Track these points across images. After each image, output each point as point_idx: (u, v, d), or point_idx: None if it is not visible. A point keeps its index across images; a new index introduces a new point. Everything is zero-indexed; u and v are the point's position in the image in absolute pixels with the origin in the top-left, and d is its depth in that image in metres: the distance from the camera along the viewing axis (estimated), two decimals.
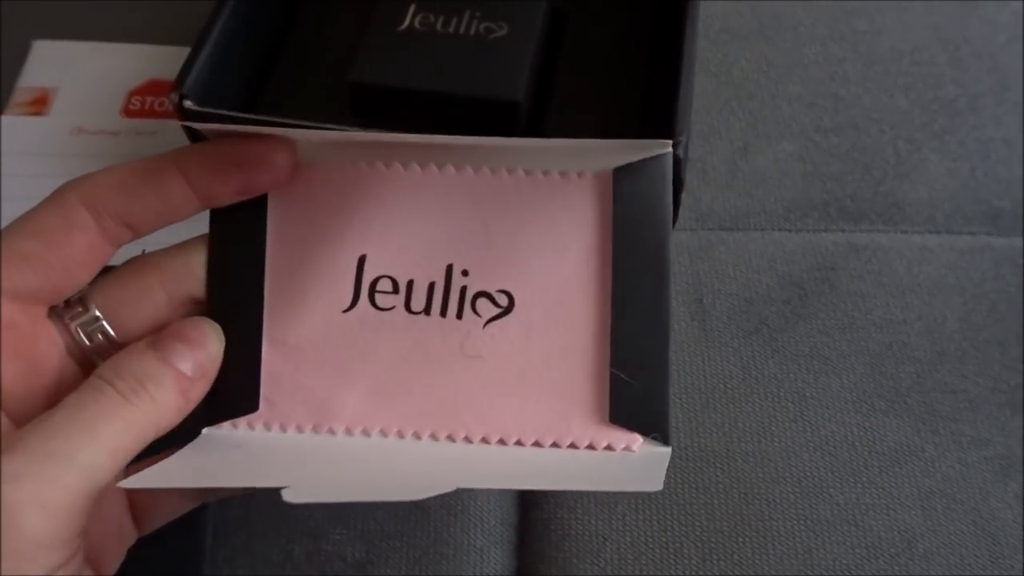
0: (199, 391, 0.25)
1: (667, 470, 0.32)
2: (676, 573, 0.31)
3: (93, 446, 0.22)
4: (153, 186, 0.24)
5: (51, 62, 0.41)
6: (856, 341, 0.35)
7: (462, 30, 0.34)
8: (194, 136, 0.32)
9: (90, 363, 0.25)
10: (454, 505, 0.32)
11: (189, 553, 0.31)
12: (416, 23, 0.34)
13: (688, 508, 0.32)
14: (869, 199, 0.39)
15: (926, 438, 0.33)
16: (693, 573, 0.31)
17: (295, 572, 0.31)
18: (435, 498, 0.32)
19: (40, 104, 0.40)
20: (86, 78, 0.41)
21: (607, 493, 0.32)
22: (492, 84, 0.33)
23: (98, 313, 0.25)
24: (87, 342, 0.25)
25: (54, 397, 0.24)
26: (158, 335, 0.25)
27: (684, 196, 0.30)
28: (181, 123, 0.26)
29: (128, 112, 0.40)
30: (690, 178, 0.39)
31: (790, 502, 0.32)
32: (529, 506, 0.32)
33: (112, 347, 0.25)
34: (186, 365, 0.24)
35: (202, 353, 0.25)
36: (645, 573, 0.31)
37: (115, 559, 0.26)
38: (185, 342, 0.25)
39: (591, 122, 0.35)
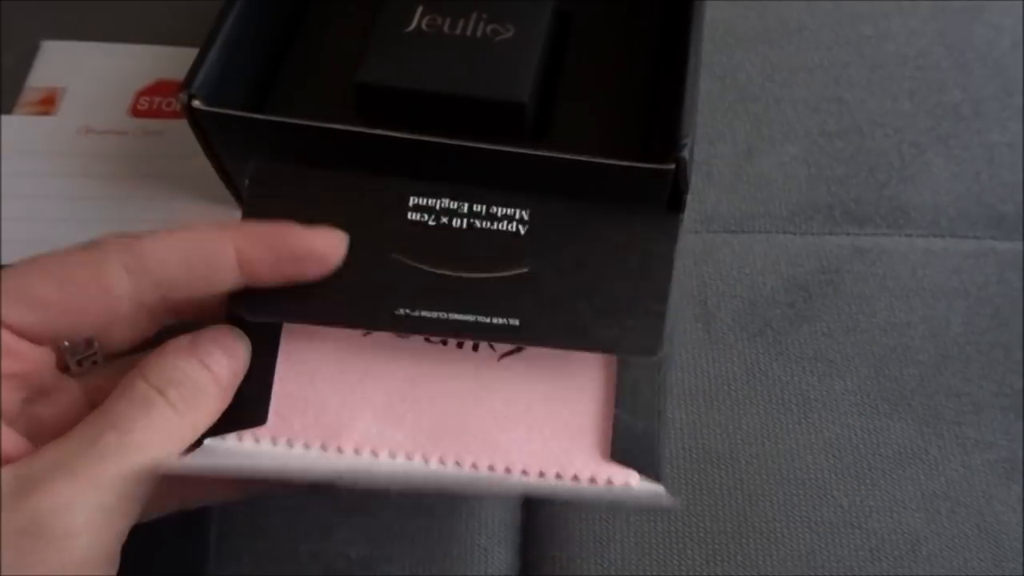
0: (228, 399, 0.25)
1: (671, 472, 0.33)
2: (680, 574, 0.31)
3: (144, 465, 0.22)
4: (205, 265, 0.24)
5: (59, 62, 0.42)
6: (860, 344, 0.35)
7: (469, 32, 0.34)
8: (201, 131, 0.32)
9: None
10: (459, 505, 0.32)
11: (193, 551, 0.31)
12: (423, 25, 0.35)
13: (692, 509, 0.32)
14: (873, 202, 0.39)
15: (930, 441, 0.33)
16: (697, 574, 0.31)
17: (300, 570, 0.31)
18: (440, 499, 0.32)
19: (48, 104, 0.40)
20: (94, 78, 0.41)
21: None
22: (498, 86, 0.33)
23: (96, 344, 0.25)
24: (78, 366, 0.25)
25: (41, 404, 0.25)
26: (197, 338, 0.25)
27: (689, 199, 0.30)
28: (244, 216, 0.26)
29: (136, 112, 0.40)
30: (695, 181, 0.39)
31: (794, 504, 0.32)
32: (533, 507, 0.32)
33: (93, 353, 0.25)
34: (223, 372, 0.25)
35: (236, 362, 0.25)
36: (649, 574, 0.31)
37: None
38: (223, 349, 0.25)
39: (596, 124, 0.35)
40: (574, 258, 0.27)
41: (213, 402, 0.24)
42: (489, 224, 0.27)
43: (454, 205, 0.27)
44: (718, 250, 0.37)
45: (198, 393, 0.24)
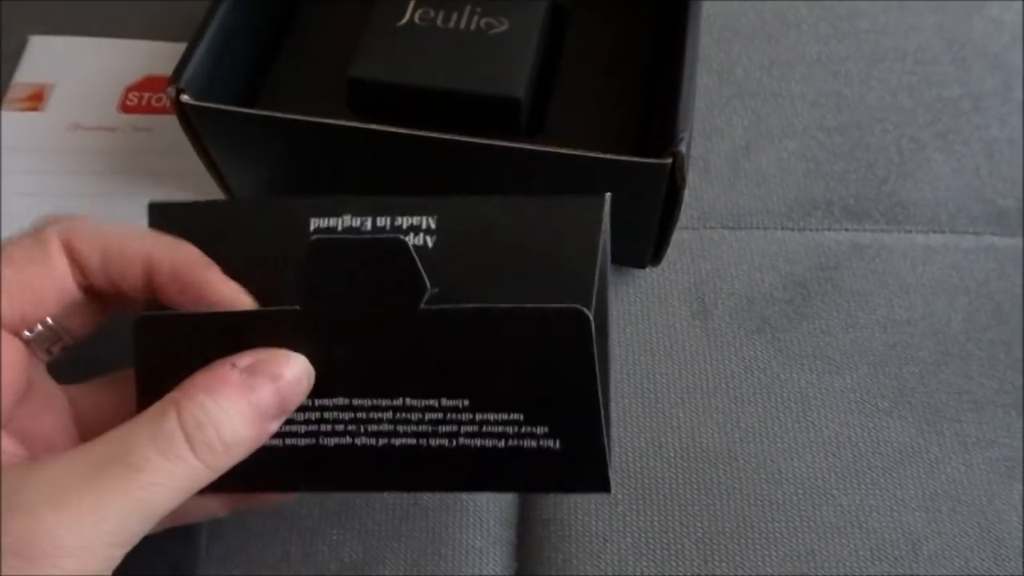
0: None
1: (669, 471, 0.32)
2: (677, 574, 0.30)
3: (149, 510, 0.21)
4: (117, 261, 0.24)
5: (47, 58, 0.41)
6: (859, 341, 0.35)
7: (462, 25, 0.34)
8: (190, 126, 0.32)
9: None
10: (452, 505, 0.32)
11: (184, 553, 0.31)
12: (416, 18, 0.34)
13: (690, 509, 0.31)
14: (873, 198, 0.38)
15: (930, 439, 0.33)
16: (695, 575, 0.30)
17: (291, 573, 0.30)
18: (433, 497, 0.31)
19: (36, 100, 0.40)
20: (83, 74, 0.41)
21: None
22: (493, 80, 0.33)
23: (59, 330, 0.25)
24: (48, 354, 0.25)
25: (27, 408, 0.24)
26: (254, 370, 0.22)
27: (686, 195, 0.30)
28: None
29: (125, 108, 0.40)
30: (692, 177, 0.39)
31: (793, 503, 0.32)
32: (528, 506, 0.32)
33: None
34: (269, 424, 0.23)
35: (288, 404, 0.23)
36: (646, 574, 0.30)
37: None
38: (277, 389, 0.23)
39: (592, 119, 0.35)
40: (485, 267, 0.25)
41: (247, 451, 0.22)
42: None
43: (356, 222, 0.25)
44: (716, 246, 0.37)
45: (233, 446, 0.22)
